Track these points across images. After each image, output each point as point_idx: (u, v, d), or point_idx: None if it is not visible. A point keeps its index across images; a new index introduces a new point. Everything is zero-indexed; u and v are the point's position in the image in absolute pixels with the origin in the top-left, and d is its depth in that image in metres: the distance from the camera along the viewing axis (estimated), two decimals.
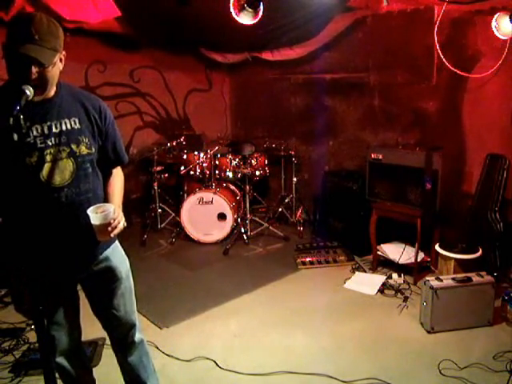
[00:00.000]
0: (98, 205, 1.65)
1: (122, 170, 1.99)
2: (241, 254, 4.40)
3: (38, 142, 1.58)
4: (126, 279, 1.93)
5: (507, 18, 3.18)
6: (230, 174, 4.80)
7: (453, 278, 2.98)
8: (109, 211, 1.63)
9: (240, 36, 4.11)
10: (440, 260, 3.47)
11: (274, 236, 4.75)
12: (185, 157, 4.86)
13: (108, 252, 1.86)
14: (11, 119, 1.34)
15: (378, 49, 4.38)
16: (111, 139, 1.83)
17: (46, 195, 1.62)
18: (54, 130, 1.62)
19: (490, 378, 2.49)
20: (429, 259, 3.82)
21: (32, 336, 2.92)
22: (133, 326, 2.01)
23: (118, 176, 1.93)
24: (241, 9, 2.99)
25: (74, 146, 1.66)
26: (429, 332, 2.95)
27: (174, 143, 4.84)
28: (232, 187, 4.98)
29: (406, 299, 3.38)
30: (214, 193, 4.55)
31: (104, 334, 2.95)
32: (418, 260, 3.65)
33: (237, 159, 4.80)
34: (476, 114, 3.81)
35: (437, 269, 3.62)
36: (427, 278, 3.00)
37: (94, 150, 1.73)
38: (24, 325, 3.08)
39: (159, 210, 4.93)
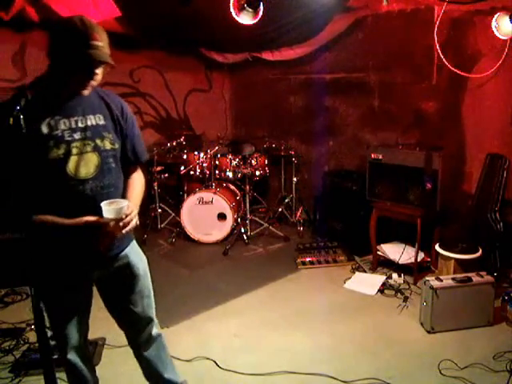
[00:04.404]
0: (111, 200, 1.66)
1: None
2: (241, 254, 4.40)
3: (66, 135, 1.63)
4: (143, 276, 1.95)
5: (507, 18, 3.19)
6: (230, 174, 4.80)
7: (453, 278, 2.98)
8: (122, 206, 1.63)
9: (240, 36, 4.11)
10: (440, 260, 3.47)
11: (274, 236, 4.75)
12: (185, 157, 4.86)
13: (127, 250, 1.88)
14: (11, 119, 1.34)
15: (378, 49, 4.38)
16: (131, 138, 1.86)
17: (71, 187, 1.64)
18: (80, 124, 1.67)
19: (490, 378, 2.49)
20: (429, 259, 3.82)
21: (32, 336, 2.92)
22: (150, 322, 2.03)
23: (138, 177, 1.95)
24: (241, 9, 3.00)
25: (98, 141, 1.71)
26: (429, 332, 2.95)
27: (174, 143, 4.85)
28: (232, 187, 4.98)
29: (405, 299, 3.38)
30: (214, 193, 4.55)
31: (104, 334, 2.98)
32: (418, 260, 3.65)
33: (237, 159, 4.80)
34: (476, 113, 3.81)
35: (437, 269, 3.62)
36: (427, 278, 3.00)
37: (117, 145, 1.78)
38: (24, 325, 3.08)
39: (159, 210, 4.93)
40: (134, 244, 1.95)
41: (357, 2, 3.79)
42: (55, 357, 2.60)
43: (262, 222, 4.83)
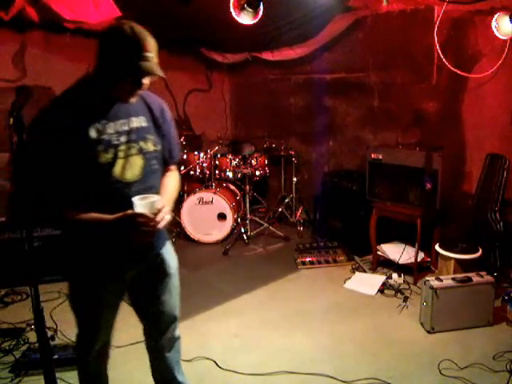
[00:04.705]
0: (143, 195, 1.64)
1: None
2: (241, 254, 4.40)
3: (113, 139, 1.63)
4: (174, 275, 1.97)
5: (507, 18, 3.19)
6: (230, 174, 4.80)
7: (453, 278, 2.98)
8: (153, 201, 1.62)
9: (240, 36, 4.11)
10: (440, 260, 3.47)
11: (274, 236, 4.75)
12: (185, 157, 4.86)
13: (163, 249, 1.90)
14: (11, 119, 1.34)
15: (378, 49, 4.38)
16: (168, 138, 1.86)
17: (116, 190, 1.64)
18: (125, 127, 1.67)
19: (490, 378, 2.49)
20: (429, 259, 3.82)
21: (32, 336, 2.92)
22: (174, 321, 2.04)
23: (173, 176, 1.96)
24: (241, 9, 3.00)
25: (142, 143, 1.71)
26: (429, 332, 2.95)
27: None
28: (232, 187, 4.98)
29: (405, 299, 3.38)
30: (214, 193, 4.55)
31: None
32: (418, 260, 3.65)
33: (237, 159, 4.80)
34: (476, 113, 3.81)
35: (437, 269, 3.62)
36: (427, 278, 3.00)
37: (159, 147, 1.78)
38: (24, 325, 3.07)
39: None
40: (168, 243, 1.96)
41: (357, 2, 3.79)
42: (55, 357, 2.62)
43: (262, 222, 4.83)
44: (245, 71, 5.70)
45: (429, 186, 3.46)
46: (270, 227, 4.79)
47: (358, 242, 4.16)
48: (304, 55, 4.76)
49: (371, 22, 4.36)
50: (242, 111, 6.09)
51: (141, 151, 1.70)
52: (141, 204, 1.59)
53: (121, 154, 1.64)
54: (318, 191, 4.88)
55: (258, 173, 4.86)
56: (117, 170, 1.63)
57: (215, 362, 2.69)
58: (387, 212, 3.80)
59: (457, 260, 3.30)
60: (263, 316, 3.25)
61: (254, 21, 3.09)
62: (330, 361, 2.70)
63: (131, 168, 1.67)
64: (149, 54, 1.56)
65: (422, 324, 3.04)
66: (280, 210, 5.10)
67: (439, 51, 3.64)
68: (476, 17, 3.65)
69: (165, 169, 1.91)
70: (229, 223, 4.60)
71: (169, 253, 1.94)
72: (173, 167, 1.97)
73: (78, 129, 1.56)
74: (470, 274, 3.02)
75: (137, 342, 2.83)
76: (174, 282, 1.98)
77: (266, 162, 5.00)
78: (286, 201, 5.13)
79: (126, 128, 1.67)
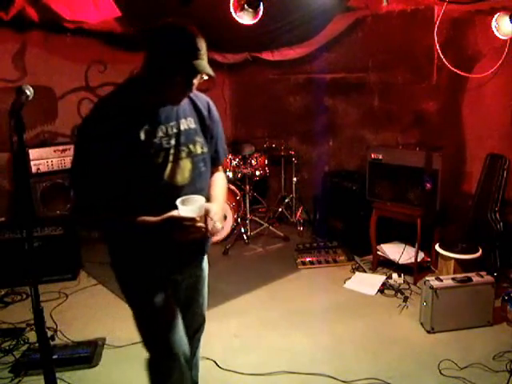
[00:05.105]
0: (186, 196, 1.57)
1: None
2: (241, 254, 4.40)
3: (164, 142, 1.59)
4: (206, 278, 2.00)
5: (507, 18, 3.19)
6: (230, 174, 4.80)
7: (453, 278, 2.98)
8: (198, 205, 1.54)
9: (240, 36, 4.11)
10: (440, 260, 3.48)
11: (274, 236, 4.75)
12: None
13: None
14: (11, 119, 1.34)
15: (378, 49, 4.38)
16: (215, 139, 1.82)
17: (168, 194, 1.59)
18: (174, 130, 1.63)
19: (490, 378, 2.49)
20: (429, 259, 3.82)
21: (32, 336, 2.92)
22: (203, 322, 2.06)
23: (221, 177, 1.92)
24: (241, 9, 3.00)
25: (191, 146, 1.67)
26: (429, 332, 2.95)
27: None
28: (232, 187, 4.98)
29: (405, 299, 3.38)
30: None
31: (104, 334, 2.98)
32: (418, 260, 3.65)
33: (237, 159, 4.80)
34: (476, 114, 3.81)
35: (437, 269, 3.62)
36: (427, 278, 3.00)
37: (206, 149, 1.74)
38: (24, 325, 3.08)
39: None
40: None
41: (357, 2, 3.79)
42: (55, 357, 2.62)
43: (262, 222, 4.83)
44: (245, 71, 5.70)
45: (429, 186, 3.46)
46: (270, 227, 4.79)
47: (358, 242, 4.16)
48: (304, 55, 4.75)
49: (371, 22, 4.36)
50: (242, 111, 6.09)
51: (189, 154, 1.65)
52: (184, 209, 1.52)
53: (171, 158, 1.60)
54: (318, 191, 4.88)
55: (257, 173, 4.86)
56: (167, 173, 1.59)
57: (215, 362, 2.69)
58: (387, 212, 3.80)
59: (457, 260, 3.30)
60: (263, 316, 3.25)
61: (254, 21, 3.09)
62: (329, 361, 2.71)
63: (181, 172, 1.63)
64: (202, 53, 1.51)
65: (421, 324, 3.04)
66: (280, 209, 5.10)
67: (439, 51, 3.64)
68: (476, 17, 3.65)
69: (212, 169, 1.85)
70: (229, 223, 4.60)
71: (206, 256, 1.95)
72: (220, 167, 1.94)
73: (128, 132, 1.52)
74: (470, 274, 3.02)
75: (137, 342, 2.83)
76: (206, 284, 2.00)
77: (266, 162, 4.99)
78: (286, 201, 5.13)
79: (176, 130, 1.63)
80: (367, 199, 3.91)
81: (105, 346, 2.88)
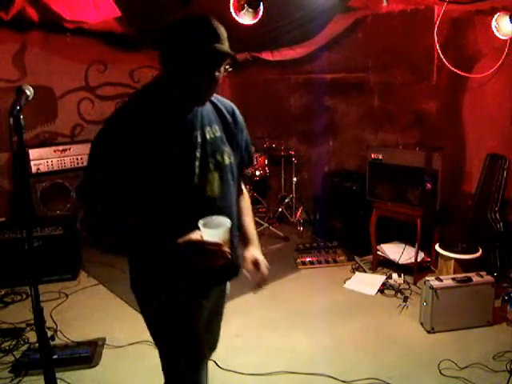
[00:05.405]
0: (211, 217, 1.39)
1: None
2: (241, 254, 4.39)
3: (189, 153, 1.46)
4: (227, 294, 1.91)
5: (507, 18, 3.19)
6: None
7: (453, 278, 2.98)
8: (224, 228, 1.37)
9: (240, 36, 4.10)
10: (440, 260, 3.47)
11: (274, 236, 4.74)
12: None
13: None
14: (11, 119, 1.34)
15: (378, 49, 4.38)
16: (241, 146, 1.66)
17: (194, 209, 1.44)
18: (199, 139, 1.48)
19: (490, 378, 2.49)
20: (429, 259, 3.82)
21: (32, 336, 2.92)
22: (218, 338, 1.99)
23: (248, 204, 1.76)
24: (241, 9, 3.00)
25: (218, 157, 1.52)
26: (429, 332, 2.95)
27: None
28: None
29: (405, 299, 3.38)
30: None
31: (104, 334, 2.98)
32: (418, 260, 3.65)
33: None
34: (476, 114, 3.81)
35: (437, 269, 3.62)
36: (427, 278, 3.00)
37: (233, 158, 1.58)
38: (24, 325, 3.08)
39: None
40: None
41: (357, 2, 3.79)
42: (55, 357, 2.62)
43: (262, 222, 4.83)
44: (245, 71, 5.69)
45: (429, 186, 3.46)
46: (270, 227, 4.79)
47: (358, 242, 4.16)
48: (304, 55, 4.75)
49: (371, 22, 4.36)
50: (242, 111, 5.94)
51: (217, 166, 1.51)
52: (209, 231, 1.36)
53: (197, 171, 1.45)
54: (317, 191, 4.88)
55: (257, 173, 4.86)
56: (194, 187, 1.45)
57: (215, 362, 2.69)
58: (387, 212, 3.80)
59: (457, 260, 3.30)
60: (263, 316, 3.25)
61: (254, 21, 3.09)
62: (330, 361, 2.70)
63: (210, 185, 1.49)
64: (222, 38, 1.39)
65: (421, 324, 3.04)
66: (280, 209, 5.10)
67: (439, 51, 3.64)
68: (476, 17, 3.64)
69: (238, 178, 1.68)
70: None
71: None
72: (242, 181, 1.76)
73: (150, 140, 1.39)
74: (470, 274, 3.02)
75: (137, 342, 2.84)
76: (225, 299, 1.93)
77: (266, 162, 4.99)
78: (286, 201, 5.12)
79: (200, 140, 1.47)
80: (367, 199, 3.91)
81: (105, 345, 2.87)
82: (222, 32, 1.41)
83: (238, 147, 1.64)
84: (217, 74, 1.40)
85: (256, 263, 1.69)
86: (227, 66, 1.43)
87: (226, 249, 1.38)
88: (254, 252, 1.64)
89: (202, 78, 1.39)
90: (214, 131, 1.53)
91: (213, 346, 1.92)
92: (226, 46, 1.40)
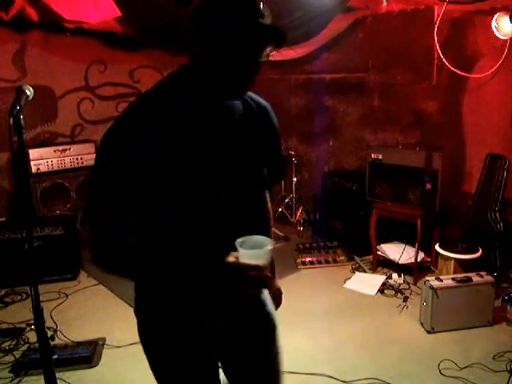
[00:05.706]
0: (246, 237, 1.17)
1: None
2: None
3: (211, 159, 1.24)
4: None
5: (507, 18, 3.19)
6: None
7: (453, 278, 2.98)
8: (266, 248, 1.15)
9: None
10: (440, 260, 3.47)
11: (274, 236, 4.71)
12: None
13: None
14: (11, 119, 1.33)
15: (378, 49, 4.38)
16: (272, 153, 1.44)
17: (216, 225, 1.27)
18: (225, 143, 1.27)
19: (490, 378, 2.49)
20: (429, 259, 3.82)
21: (32, 336, 2.92)
22: None
23: (270, 211, 1.54)
24: None
25: (247, 166, 1.32)
26: (429, 332, 2.95)
27: None
28: None
29: (405, 299, 3.38)
30: None
31: (104, 334, 2.98)
32: (418, 260, 3.65)
33: None
34: (476, 114, 3.81)
35: (437, 269, 3.62)
36: (427, 278, 3.00)
37: (263, 167, 1.39)
38: (24, 325, 3.08)
39: None
40: None
41: (357, 2, 3.79)
42: (55, 357, 2.62)
43: None
44: None
45: (429, 186, 3.46)
46: None
47: (358, 242, 4.16)
48: (304, 55, 4.75)
49: (371, 22, 4.36)
50: None
51: (246, 177, 1.31)
52: (250, 252, 1.14)
53: (223, 181, 1.25)
54: (317, 191, 4.88)
55: None
56: (217, 203, 1.25)
57: None
58: (387, 212, 3.80)
59: (457, 260, 3.30)
60: None
61: None
62: (330, 361, 2.70)
63: (234, 197, 1.28)
64: (266, 14, 1.18)
65: (421, 324, 3.04)
66: (280, 209, 5.10)
67: (439, 51, 3.64)
68: (476, 17, 3.65)
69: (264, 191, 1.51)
70: None
71: None
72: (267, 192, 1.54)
73: (166, 146, 1.17)
74: (469, 274, 3.02)
75: (137, 342, 2.83)
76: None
77: None
78: (286, 201, 5.12)
79: (228, 146, 1.27)
80: (367, 199, 3.91)
81: (105, 345, 2.87)
82: (266, 8, 1.19)
83: (269, 154, 1.41)
84: (261, 54, 1.18)
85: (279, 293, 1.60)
86: (271, 48, 1.21)
87: (268, 273, 1.17)
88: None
89: (242, 61, 1.15)
90: (244, 137, 1.31)
91: None
92: (268, 21, 1.19)
